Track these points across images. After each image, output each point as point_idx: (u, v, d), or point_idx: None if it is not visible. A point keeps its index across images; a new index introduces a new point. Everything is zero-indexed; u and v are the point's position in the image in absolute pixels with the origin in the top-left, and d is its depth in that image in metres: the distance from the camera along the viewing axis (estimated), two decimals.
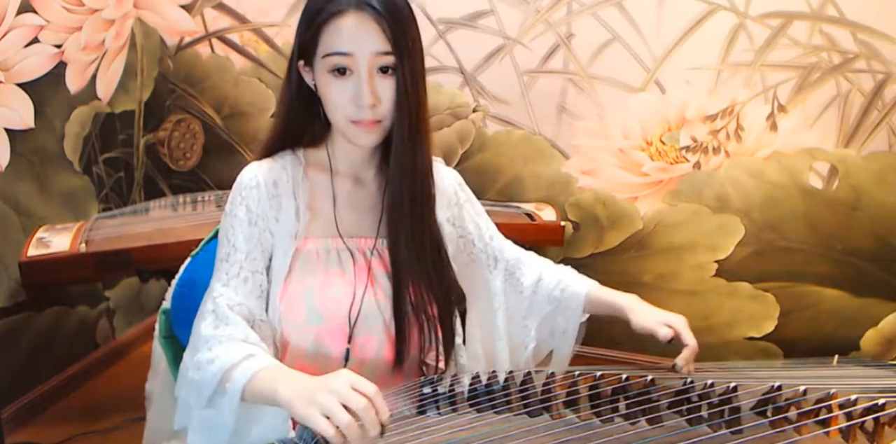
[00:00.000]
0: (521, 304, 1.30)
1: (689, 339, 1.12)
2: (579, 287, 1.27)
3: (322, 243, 1.12)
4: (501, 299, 1.29)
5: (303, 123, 1.13)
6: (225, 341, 1.02)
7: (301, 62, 1.09)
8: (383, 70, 1.03)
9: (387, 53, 1.02)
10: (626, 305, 1.20)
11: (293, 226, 1.11)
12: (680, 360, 1.11)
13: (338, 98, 1.04)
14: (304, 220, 1.11)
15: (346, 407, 0.83)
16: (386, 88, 1.04)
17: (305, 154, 1.15)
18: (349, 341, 1.11)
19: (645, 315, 1.16)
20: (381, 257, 1.15)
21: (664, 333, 1.12)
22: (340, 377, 0.87)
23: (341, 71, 1.03)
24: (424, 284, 1.14)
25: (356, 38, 1.01)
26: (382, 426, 0.84)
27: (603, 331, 1.34)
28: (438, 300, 1.15)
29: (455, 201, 1.25)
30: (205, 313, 1.07)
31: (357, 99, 1.03)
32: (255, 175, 1.11)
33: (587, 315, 1.27)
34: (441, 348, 1.17)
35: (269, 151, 1.15)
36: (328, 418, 0.82)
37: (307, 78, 1.09)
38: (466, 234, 1.27)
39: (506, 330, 1.29)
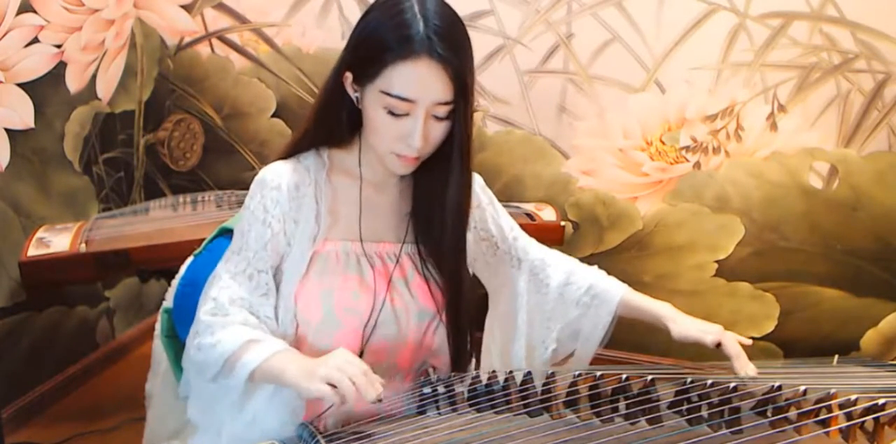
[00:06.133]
0: (545, 305, 1.29)
1: (733, 347, 1.13)
2: (612, 294, 1.26)
3: (342, 246, 1.12)
4: (524, 299, 1.29)
5: (334, 124, 1.12)
6: (227, 326, 1.06)
7: (349, 74, 1.07)
8: (437, 117, 1.03)
9: (447, 103, 1.02)
10: (666, 314, 1.20)
11: (313, 229, 1.11)
12: (740, 371, 1.12)
13: (386, 132, 1.04)
14: (324, 223, 1.12)
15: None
16: (436, 131, 1.05)
17: (330, 156, 1.15)
18: (363, 346, 1.11)
19: (687, 326, 1.18)
20: (401, 263, 1.15)
21: (711, 339, 1.14)
22: (337, 354, 0.97)
23: (399, 114, 1.02)
24: (456, 290, 1.16)
25: (422, 86, 1.00)
26: (378, 397, 0.94)
27: None
28: (463, 306, 1.16)
29: (477, 204, 1.25)
30: (207, 298, 1.10)
31: (407, 139, 1.03)
32: (279, 176, 1.10)
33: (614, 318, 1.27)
34: (456, 354, 1.18)
35: (296, 149, 1.15)
36: (330, 385, 0.93)
37: (350, 89, 1.08)
38: (489, 236, 1.27)
39: (526, 330, 1.28)
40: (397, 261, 1.15)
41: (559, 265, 1.31)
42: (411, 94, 1.00)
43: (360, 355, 1.10)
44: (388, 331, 1.12)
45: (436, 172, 1.11)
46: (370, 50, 1.02)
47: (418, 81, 1.00)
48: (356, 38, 1.06)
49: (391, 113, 1.02)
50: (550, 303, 1.29)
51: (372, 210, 1.15)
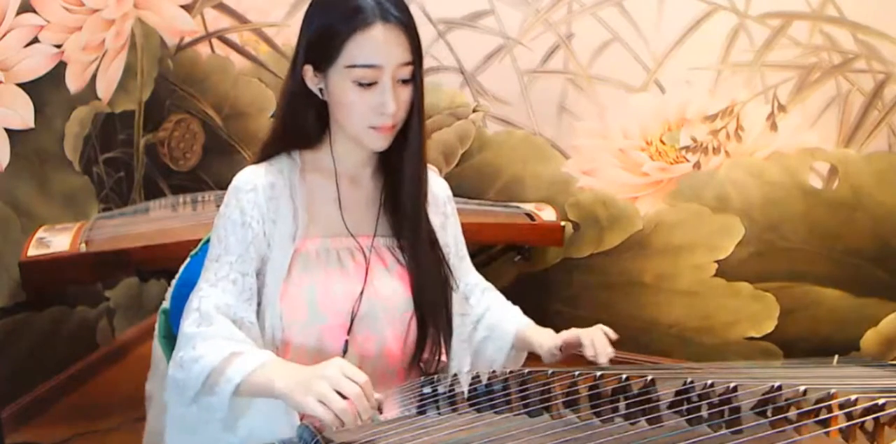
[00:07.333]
0: (464, 328, 1.29)
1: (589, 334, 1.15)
2: (510, 325, 1.26)
3: (321, 243, 1.13)
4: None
5: (302, 125, 1.14)
6: (209, 339, 1.03)
7: (308, 67, 1.08)
8: (403, 80, 1.06)
9: (408, 64, 1.05)
10: (535, 341, 1.21)
11: (291, 228, 1.12)
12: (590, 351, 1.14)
13: (360, 106, 1.06)
14: (302, 222, 1.12)
15: (339, 393, 0.88)
16: (404, 96, 1.07)
17: (302, 157, 1.16)
18: (348, 335, 1.11)
19: (546, 340, 1.19)
20: (379, 254, 1.16)
21: (568, 336, 1.16)
22: (333, 366, 0.92)
23: (369, 83, 1.04)
24: (432, 277, 1.16)
25: (385, 50, 1.03)
26: (377, 409, 0.92)
27: None
28: (441, 293, 1.17)
29: (443, 211, 1.26)
30: (189, 311, 1.08)
31: (382, 108, 1.05)
32: (252, 179, 1.12)
33: (524, 354, 1.27)
34: (442, 341, 1.19)
35: (268, 152, 1.16)
36: (324, 404, 0.88)
37: (311, 83, 1.10)
38: (445, 246, 1.26)
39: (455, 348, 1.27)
40: (370, 250, 1.15)
41: (486, 296, 1.32)
42: (375, 60, 1.03)
43: (346, 344, 1.11)
44: (373, 323, 1.13)
45: (398, 150, 1.13)
46: (324, 35, 1.05)
47: (379, 47, 1.03)
48: (307, 30, 1.08)
49: (360, 85, 1.04)
50: (468, 327, 1.29)
51: (349, 204, 1.16)
